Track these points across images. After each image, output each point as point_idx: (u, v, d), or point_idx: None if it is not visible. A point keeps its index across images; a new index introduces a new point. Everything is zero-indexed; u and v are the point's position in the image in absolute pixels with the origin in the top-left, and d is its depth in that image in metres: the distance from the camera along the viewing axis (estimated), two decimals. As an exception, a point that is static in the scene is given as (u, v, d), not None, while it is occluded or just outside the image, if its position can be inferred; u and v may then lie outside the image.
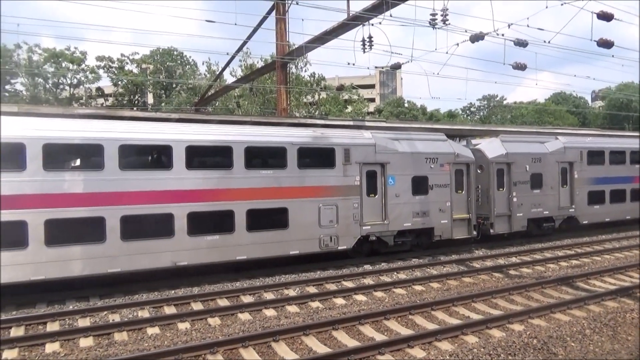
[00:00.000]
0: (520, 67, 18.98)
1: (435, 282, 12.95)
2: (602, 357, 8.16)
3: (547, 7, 18.48)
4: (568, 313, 10.22)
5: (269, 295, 11.79)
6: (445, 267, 14.76)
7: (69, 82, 47.12)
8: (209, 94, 36.34)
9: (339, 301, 11.32)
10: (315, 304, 11.05)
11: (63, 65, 45.15)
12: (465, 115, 75.00)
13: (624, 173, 21.74)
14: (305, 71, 43.90)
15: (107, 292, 11.94)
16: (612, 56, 22.35)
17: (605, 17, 15.16)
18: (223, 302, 11.26)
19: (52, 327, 9.68)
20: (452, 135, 19.97)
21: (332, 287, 12.59)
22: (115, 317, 10.19)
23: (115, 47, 58.02)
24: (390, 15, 16.89)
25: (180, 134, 12.81)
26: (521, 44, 17.29)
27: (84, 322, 9.89)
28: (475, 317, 10.02)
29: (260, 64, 36.71)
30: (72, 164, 12.16)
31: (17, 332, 9.41)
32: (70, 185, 11.46)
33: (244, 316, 10.21)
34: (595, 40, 16.26)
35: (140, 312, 10.51)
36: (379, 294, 11.92)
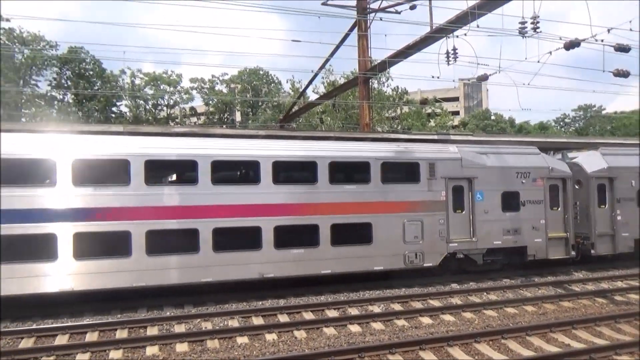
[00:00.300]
0: (623, 74, 17.51)
1: (530, 305, 12.13)
2: None
3: (654, 8, 16.91)
4: (688, 346, 9.10)
5: (353, 311, 11.74)
6: (540, 289, 13.81)
7: (166, 103, 50.79)
8: (293, 110, 37.46)
9: (426, 320, 10.98)
10: (400, 322, 10.82)
11: (161, 87, 48.79)
12: (558, 127, 70.35)
13: None
14: (388, 86, 43.85)
15: (200, 300, 12.54)
16: None
17: None
18: (308, 316, 11.37)
19: (152, 331, 10.33)
20: (544, 148, 18.81)
21: (417, 305, 12.27)
22: (207, 325, 10.67)
23: (207, 69, 61.83)
24: (477, 26, 16.43)
25: (266, 150, 13.28)
26: (623, 49, 16.00)
27: (179, 328, 10.46)
28: (576, 345, 9.25)
29: (342, 81, 37.22)
30: (169, 179, 13.07)
31: (121, 334, 10.16)
32: (168, 198, 12.27)
33: (329, 330, 10.24)
34: None
35: (230, 322, 10.92)
36: (467, 314, 11.41)
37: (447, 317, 11.19)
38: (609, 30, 15.88)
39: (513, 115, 65.97)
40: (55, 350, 9.04)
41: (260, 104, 51.02)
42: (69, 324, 10.61)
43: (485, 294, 13.30)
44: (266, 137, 15.26)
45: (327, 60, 26.74)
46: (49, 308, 11.54)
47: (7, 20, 39.14)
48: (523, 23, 15.91)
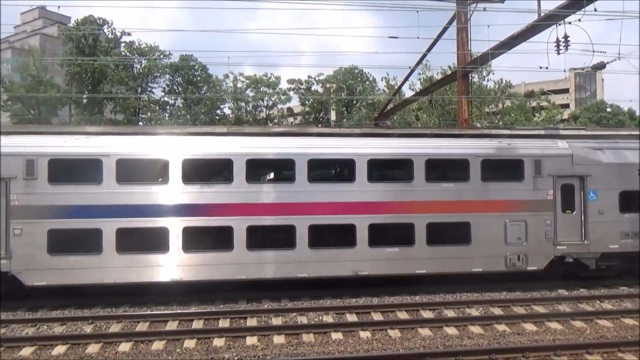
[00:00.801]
0: None
1: (656, 317, 10.90)
2: None
3: None
4: None
5: (449, 313, 11.38)
6: (666, 300, 12.34)
7: (265, 104, 53.02)
8: (388, 108, 37.15)
9: (529, 327, 10.31)
10: (501, 327, 10.27)
11: (261, 89, 51.02)
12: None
13: None
14: (488, 80, 41.83)
15: (296, 294, 12.94)
16: None
17: None
18: (402, 315, 11.24)
19: (251, 322, 10.86)
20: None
21: (520, 310, 11.58)
22: (303, 319, 10.98)
23: (304, 70, 63.45)
24: (595, 10, 15.05)
25: (361, 148, 13.33)
26: None
27: (277, 321, 10.88)
28: None
29: (439, 76, 36.17)
30: (268, 177, 13.65)
31: (224, 323, 10.81)
32: (267, 195, 12.82)
33: (424, 331, 10.03)
34: None
35: (325, 317, 11.14)
36: (577, 323, 10.53)
37: (554, 325, 10.41)
38: None
39: (633, 107, 59.42)
40: (167, 335, 9.86)
41: (355, 102, 51.27)
42: (179, 311, 11.52)
43: (598, 302, 12.17)
44: (361, 135, 15.33)
45: (424, 56, 26.16)
46: (161, 296, 12.61)
47: (128, 34, 43.48)
48: (647, 2, 14.32)
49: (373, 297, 12.75)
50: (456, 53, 23.64)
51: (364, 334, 9.88)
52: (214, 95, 47.05)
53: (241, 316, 11.21)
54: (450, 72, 32.11)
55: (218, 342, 9.58)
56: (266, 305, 12.16)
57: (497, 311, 11.51)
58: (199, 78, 49.01)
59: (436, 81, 33.90)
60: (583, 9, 14.97)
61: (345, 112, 52.64)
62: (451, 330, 10.08)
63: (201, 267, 12.40)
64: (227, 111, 52.34)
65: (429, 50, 24.55)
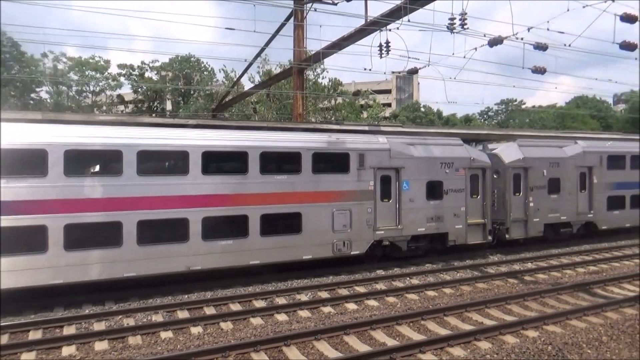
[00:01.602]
0: (540, 70, 18.75)
1: (449, 287, 12.86)
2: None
3: (568, 10, 18.31)
4: (584, 320, 10.06)
5: (281, 300, 11.86)
6: (458, 272, 14.64)
7: (91, 89, 48.15)
8: (226, 100, 36.80)
9: (351, 306, 11.32)
10: (327, 309, 11.08)
11: (87, 73, 46.16)
12: (482, 120, 74.18)
13: (646, 178, 21.26)
14: (323, 78, 44.18)
15: (123, 296, 12.14)
16: (635, 59, 21.87)
17: (629, 19, 14.90)
18: (235, 307, 11.36)
19: (69, 330, 9.88)
20: (468, 139, 19.82)
21: (344, 292, 12.59)
22: (129, 321, 10.36)
23: (137, 55, 59.23)
24: (409, 20, 16.93)
25: (196, 140, 13.01)
26: (541, 47, 17.10)
27: (99, 326, 10.08)
28: (488, 323, 9.93)
29: (277, 70, 37.05)
30: (93, 170, 12.47)
31: (35, 335, 9.64)
32: (90, 190, 11.68)
33: (256, 321, 10.30)
34: (617, 43, 16.04)
35: (154, 317, 10.68)
36: (391, 299, 11.89)
37: (372, 302, 11.60)
38: (528, 30, 16.92)
39: (441, 108, 68.85)
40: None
41: (192, 92, 49.69)
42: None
43: (408, 278, 13.90)
44: (196, 127, 14.92)
45: (262, 49, 26.51)
46: None
47: None
48: (452, 19, 16.60)
49: (206, 291, 12.62)
50: (293, 49, 24.49)
51: (195, 330, 9.75)
52: (28, 77, 41.11)
53: (57, 325, 10.11)
54: (288, 67, 33.06)
55: (27, 356, 8.53)
56: (87, 311, 11.16)
57: (324, 294, 12.36)
58: (8, 55, 42.25)
59: (274, 75, 34.65)
60: (401, 19, 16.72)
61: (182, 102, 50.68)
62: (281, 317, 10.53)
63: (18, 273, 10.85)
64: (44, 95, 46.26)
65: (267, 44, 24.96)
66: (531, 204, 18.03)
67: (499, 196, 17.78)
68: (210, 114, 35.13)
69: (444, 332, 9.44)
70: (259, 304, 11.61)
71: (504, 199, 17.65)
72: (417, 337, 9.21)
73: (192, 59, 50.09)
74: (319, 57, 22.95)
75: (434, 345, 8.58)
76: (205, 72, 51.70)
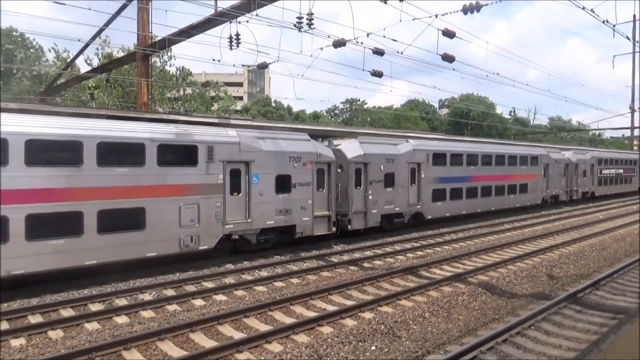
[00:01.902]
0: (378, 74, 20.48)
1: (295, 277, 13.37)
2: (438, 336, 9.18)
3: (400, 21, 20.23)
4: (412, 299, 11.29)
5: (121, 302, 11.08)
6: (305, 262, 15.31)
7: None
8: (58, 83, 32.93)
9: (198, 302, 11.09)
10: (172, 307, 10.68)
11: None
12: (329, 117, 78.35)
13: (462, 173, 24.69)
14: (171, 65, 42.08)
15: None
16: (453, 69, 25.10)
17: (448, 34, 17.07)
18: (67, 312, 10.29)
19: None
20: (315, 135, 20.76)
21: (191, 288, 12.27)
22: None
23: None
24: (257, 15, 17.05)
25: (18, 127, 11.39)
26: (378, 52, 18.65)
27: None
28: (330, 308, 10.57)
29: (120, 54, 34.26)
30: None
31: None
32: None
33: (92, 326, 9.46)
34: (440, 55, 18.27)
35: (-38, 330, 9.13)
36: (239, 292, 11.93)
37: (220, 297, 11.51)
38: (368, 35, 18.26)
39: (291, 104, 70.93)
40: None
41: (14, 72, 43.27)
42: None
43: (257, 271, 14.10)
44: (20, 112, 13.04)
45: (101, 30, 24.36)
46: None
47: None
48: (300, 18, 17.13)
49: (32, 297, 11.20)
50: (137, 33, 22.93)
51: (16, 342, 8.60)
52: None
53: None
54: (131, 51, 30.80)
55: None
56: None
57: (170, 292, 11.88)
58: None
59: (114, 59, 32.02)
60: (250, 13, 16.73)
61: (1, 82, 43.82)
62: (121, 319, 9.85)
63: None
64: None
65: (107, 24, 22.98)
66: (370, 197, 19.62)
67: (342, 189, 18.97)
68: (38, 97, 31.08)
69: (289, 320, 9.80)
70: (96, 307, 10.68)
71: (347, 192, 18.91)
72: (264, 328, 9.41)
73: (14, 32, 43.56)
74: (165, 44, 21.85)
75: (280, 334, 8.86)
76: (31, 50, 45.43)
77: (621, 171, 44.65)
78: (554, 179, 33.01)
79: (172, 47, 25.15)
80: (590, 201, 38.17)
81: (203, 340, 8.75)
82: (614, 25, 15.82)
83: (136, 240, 12.93)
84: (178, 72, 43.53)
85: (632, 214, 29.55)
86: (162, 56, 39.04)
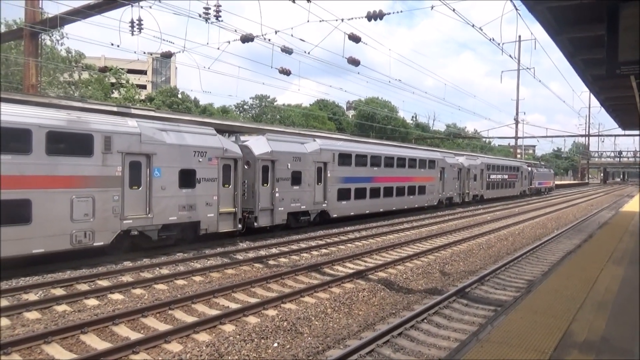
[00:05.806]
0: (286, 72, 20.63)
1: (199, 275, 13.02)
2: (339, 331, 9.46)
3: (308, 21, 20.54)
4: (315, 296, 11.51)
5: (2, 303, 10.02)
6: (209, 260, 14.96)
7: None
8: None
9: (91, 302, 10.38)
10: (61, 308, 9.88)
11: None
12: (238, 112, 77.22)
13: (365, 174, 25.66)
14: (62, 45, 38.76)
15: None
16: (358, 73, 26.02)
17: (354, 38, 17.66)
18: None
19: None
20: (223, 130, 20.37)
21: (84, 287, 11.45)
22: None
23: None
24: (160, 1, 16.37)
25: None
26: (287, 51, 18.78)
27: None
28: (234, 306, 10.45)
29: (2, 29, 30.88)
30: None
31: None
32: None
33: (-38, 331, 8.48)
34: (346, 58, 18.84)
35: None
36: (138, 291, 11.36)
37: (116, 296, 10.88)
38: (276, 32, 18.29)
39: (199, 97, 68.82)
40: None
41: None
42: None
43: (157, 269, 13.52)
44: None
45: (-23, 0, 21.74)
46: None
47: None
48: (207, 9, 16.69)
49: None
50: (24, 8, 20.93)
51: None
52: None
53: None
54: (17, 27, 28.01)
55: None
56: None
57: (60, 292, 10.98)
58: None
59: (-3, 34, 28.83)
60: (153, -1, 15.99)
61: None
62: (1, 322, 8.93)
63: None
64: None
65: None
66: (277, 194, 19.67)
67: (249, 186, 18.82)
68: None
69: (190, 319, 9.52)
70: (-32, 310, 9.57)
71: (254, 189, 18.78)
72: (164, 327, 9.06)
73: None
74: (56, 22, 20.16)
75: (180, 333, 8.58)
76: None
77: (506, 177, 49.35)
78: (449, 182, 35.58)
79: (64, 26, 23.30)
80: (480, 203, 41.69)
81: (95, 342, 8.22)
82: (499, 44, 17.38)
83: (20, 236, 11.76)
84: (68, 54, 40.19)
85: (513, 215, 32.76)
86: (53, 34, 35.87)
